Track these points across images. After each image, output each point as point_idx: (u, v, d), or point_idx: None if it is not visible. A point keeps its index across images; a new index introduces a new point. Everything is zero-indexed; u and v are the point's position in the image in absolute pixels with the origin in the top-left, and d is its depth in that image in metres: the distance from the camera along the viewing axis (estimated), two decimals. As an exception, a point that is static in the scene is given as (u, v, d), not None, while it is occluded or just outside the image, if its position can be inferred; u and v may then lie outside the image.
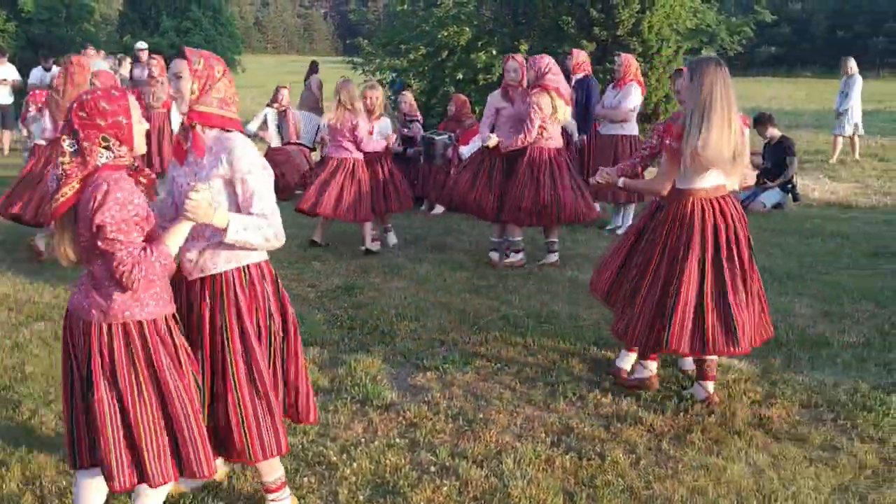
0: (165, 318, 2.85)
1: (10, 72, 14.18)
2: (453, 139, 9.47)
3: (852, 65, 13.08)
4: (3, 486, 3.48)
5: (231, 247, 2.94)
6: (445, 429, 4.11)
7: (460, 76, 13.95)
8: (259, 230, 2.91)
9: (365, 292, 6.32)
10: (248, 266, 3.04)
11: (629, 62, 8.46)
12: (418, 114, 10.55)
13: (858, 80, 13.05)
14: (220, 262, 3.00)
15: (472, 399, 4.47)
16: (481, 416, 4.24)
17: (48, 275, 6.65)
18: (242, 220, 2.89)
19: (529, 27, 14.43)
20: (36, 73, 13.87)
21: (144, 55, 13.57)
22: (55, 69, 14.18)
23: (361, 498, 3.47)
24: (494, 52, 13.71)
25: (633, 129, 8.43)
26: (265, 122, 10.57)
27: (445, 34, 13.97)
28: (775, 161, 9.98)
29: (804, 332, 5.49)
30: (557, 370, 4.85)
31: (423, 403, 4.39)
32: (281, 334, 3.12)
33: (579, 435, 4.05)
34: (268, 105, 10.70)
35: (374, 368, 4.82)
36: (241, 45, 27.94)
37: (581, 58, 9.17)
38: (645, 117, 12.53)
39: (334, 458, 3.76)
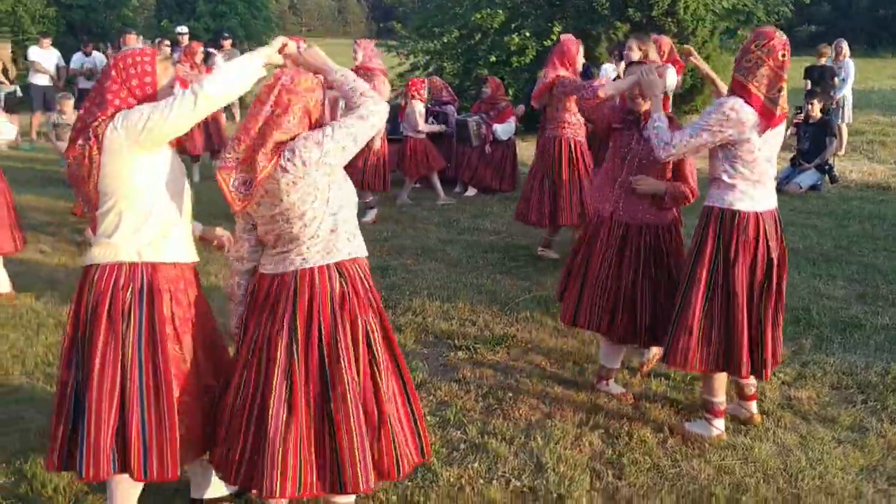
0: None
1: (53, 56, 14.21)
2: (484, 119, 9.49)
3: (845, 48, 11.97)
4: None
5: None
6: (476, 407, 4.18)
7: (493, 59, 13.92)
8: None
9: (398, 273, 6.40)
10: None
11: (661, 43, 8.36)
12: (453, 97, 10.56)
13: (852, 63, 11.99)
14: None
15: (502, 378, 4.53)
16: (511, 394, 4.30)
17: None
18: None
19: (563, 9, 14.35)
20: (77, 59, 14.07)
21: (185, 39, 13.68)
22: (95, 54, 14.38)
23: (393, 473, 3.56)
24: (528, 35, 13.65)
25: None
26: None
27: (479, 17, 13.93)
28: (814, 141, 9.85)
29: (837, 313, 5.47)
30: (587, 350, 4.89)
31: (453, 382, 4.47)
32: None
33: (608, 414, 4.10)
34: None
35: (407, 348, 4.90)
36: (277, 28, 28.08)
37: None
38: (680, 98, 12.42)
39: (367, 435, 3.84)
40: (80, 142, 2.71)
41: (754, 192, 3.67)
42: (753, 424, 3.99)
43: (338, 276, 2.75)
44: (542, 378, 4.53)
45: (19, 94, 13.69)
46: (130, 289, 2.76)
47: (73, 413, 2.81)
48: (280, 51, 2.85)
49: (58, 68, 14.02)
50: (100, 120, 2.70)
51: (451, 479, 3.51)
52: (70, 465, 2.83)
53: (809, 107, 10.13)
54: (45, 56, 13.99)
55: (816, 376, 4.52)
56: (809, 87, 11.66)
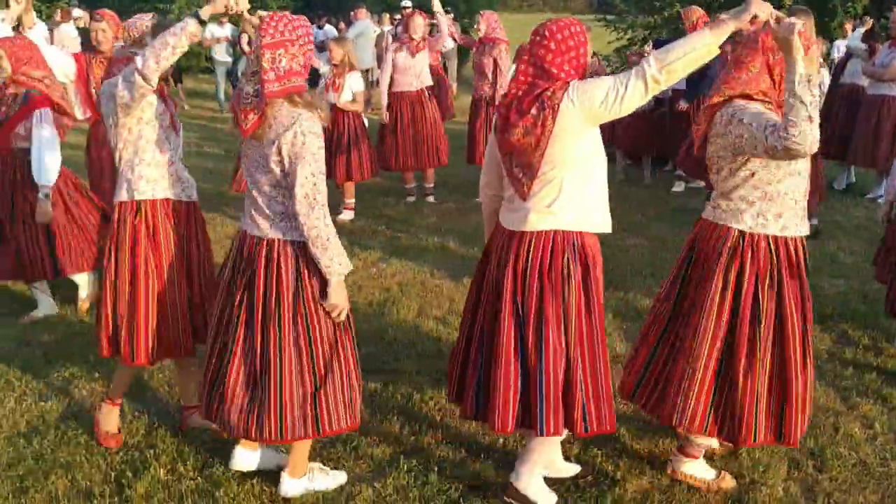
0: None
1: None
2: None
3: None
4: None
5: None
6: (672, 385, 4.14)
7: (716, 32, 13.36)
8: None
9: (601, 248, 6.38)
10: None
11: None
12: None
13: None
14: None
15: (702, 359, 4.44)
16: (710, 376, 4.22)
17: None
18: None
19: (796, -20, 13.48)
20: (310, 32, 15.03)
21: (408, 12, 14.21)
22: (327, 27, 15.29)
23: (581, 439, 3.63)
24: (754, 8, 12.97)
25: (903, 90, 7.70)
26: None
27: (703, -11, 13.40)
28: None
29: None
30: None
31: (651, 358, 4.43)
32: None
33: (814, 404, 3.93)
34: None
35: (606, 321, 4.90)
36: (497, 3, 28.41)
37: (695, 16, 7.24)
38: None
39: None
40: (532, 111, 2.74)
41: None
42: None
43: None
44: (745, 362, 4.40)
45: (258, 63, 14.91)
46: (566, 254, 2.84)
47: (523, 372, 2.90)
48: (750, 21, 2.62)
49: None
50: (552, 90, 2.73)
51: (642, 453, 3.53)
52: (525, 422, 2.93)
53: None
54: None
55: None
56: None
